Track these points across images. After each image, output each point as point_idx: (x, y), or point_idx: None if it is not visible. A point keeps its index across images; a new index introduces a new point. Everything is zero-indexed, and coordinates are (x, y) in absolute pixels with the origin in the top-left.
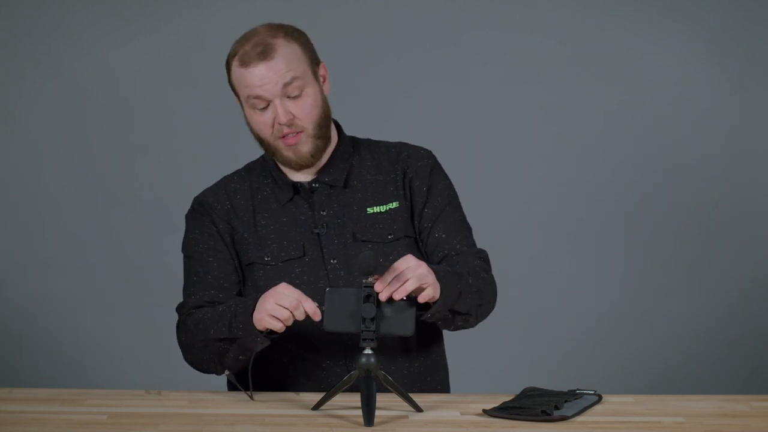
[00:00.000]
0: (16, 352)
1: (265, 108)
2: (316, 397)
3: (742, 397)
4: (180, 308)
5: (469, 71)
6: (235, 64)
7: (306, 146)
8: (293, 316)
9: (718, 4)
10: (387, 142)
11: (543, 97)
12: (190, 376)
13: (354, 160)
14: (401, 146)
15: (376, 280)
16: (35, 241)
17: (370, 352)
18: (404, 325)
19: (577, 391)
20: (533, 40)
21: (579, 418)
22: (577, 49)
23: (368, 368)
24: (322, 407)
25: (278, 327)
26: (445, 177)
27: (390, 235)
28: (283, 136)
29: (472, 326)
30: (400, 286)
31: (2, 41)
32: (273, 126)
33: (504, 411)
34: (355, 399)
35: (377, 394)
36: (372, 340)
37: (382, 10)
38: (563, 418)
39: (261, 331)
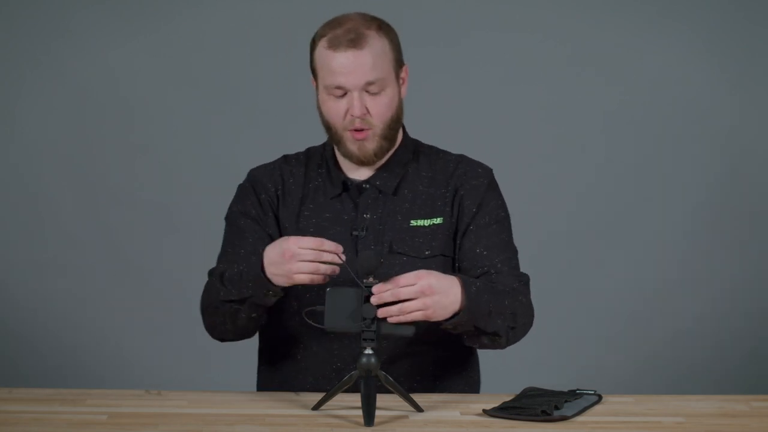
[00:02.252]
0: (16, 352)
1: (342, 97)
2: (316, 397)
3: (742, 397)
4: (209, 273)
5: (469, 71)
6: (322, 44)
7: (372, 144)
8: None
9: (718, 4)
10: (448, 154)
11: (543, 97)
12: (190, 376)
13: (411, 167)
14: (460, 160)
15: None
16: (35, 241)
17: (370, 352)
18: (404, 326)
19: (577, 391)
20: (533, 40)
21: (579, 418)
22: (577, 49)
23: (368, 368)
24: (322, 407)
25: (310, 280)
26: (499, 197)
27: (427, 251)
28: (353, 129)
29: (502, 347)
30: (397, 312)
31: (2, 41)
32: (345, 116)
33: (504, 411)
34: (355, 399)
35: (377, 394)
36: (372, 340)
37: (382, 11)
38: (563, 418)
39: (271, 284)
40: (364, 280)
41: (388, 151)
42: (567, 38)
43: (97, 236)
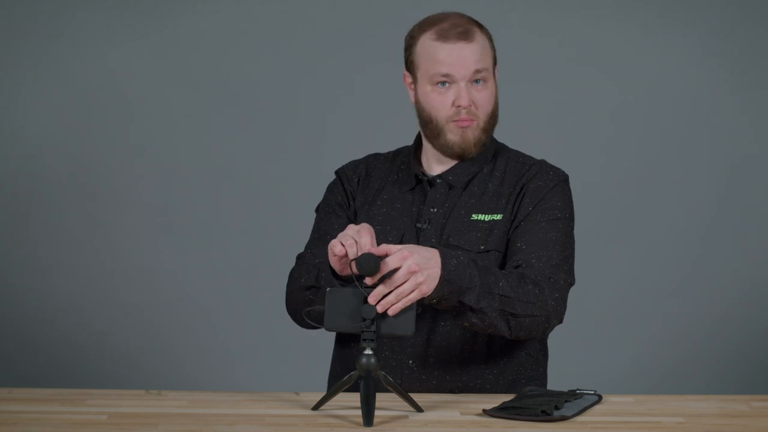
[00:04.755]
0: (16, 352)
1: (447, 89)
2: (316, 397)
3: (742, 397)
4: (297, 258)
5: None
6: (429, 36)
7: (474, 133)
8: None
9: (718, 5)
10: (529, 158)
11: (544, 97)
12: (190, 376)
13: (486, 167)
14: (536, 164)
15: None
16: (35, 241)
17: (370, 352)
18: (404, 326)
19: (577, 391)
20: (533, 40)
21: (579, 418)
22: (578, 49)
23: (368, 368)
24: (322, 407)
25: (341, 256)
26: (561, 198)
27: (482, 245)
28: (456, 120)
29: (505, 335)
30: (394, 299)
31: (2, 41)
32: (451, 107)
33: (504, 411)
34: (355, 399)
35: (377, 394)
36: (372, 340)
37: (382, 10)
38: (563, 418)
39: (342, 279)
40: (364, 281)
41: (484, 145)
42: (567, 38)
43: (97, 236)
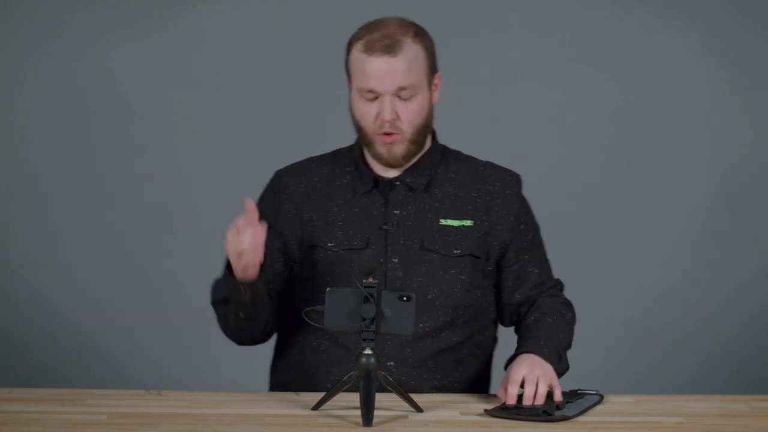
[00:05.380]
0: (16, 352)
1: (374, 100)
2: (316, 397)
3: (742, 397)
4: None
5: (469, 72)
6: (358, 47)
7: (400, 148)
8: (246, 243)
9: (718, 5)
10: (476, 159)
11: (543, 98)
12: (190, 376)
13: (440, 169)
14: (489, 167)
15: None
16: (35, 241)
17: (369, 352)
18: (404, 325)
19: (579, 391)
20: (533, 40)
21: (580, 418)
22: (578, 49)
23: (368, 368)
24: (322, 407)
25: (247, 261)
26: (529, 207)
27: (456, 250)
28: (382, 133)
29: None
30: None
31: (2, 41)
32: (375, 120)
33: (505, 411)
34: (355, 399)
35: (377, 393)
36: (372, 340)
37: (382, 11)
38: (564, 418)
39: (242, 282)
40: (363, 281)
41: (415, 155)
42: (567, 38)
43: (97, 236)
